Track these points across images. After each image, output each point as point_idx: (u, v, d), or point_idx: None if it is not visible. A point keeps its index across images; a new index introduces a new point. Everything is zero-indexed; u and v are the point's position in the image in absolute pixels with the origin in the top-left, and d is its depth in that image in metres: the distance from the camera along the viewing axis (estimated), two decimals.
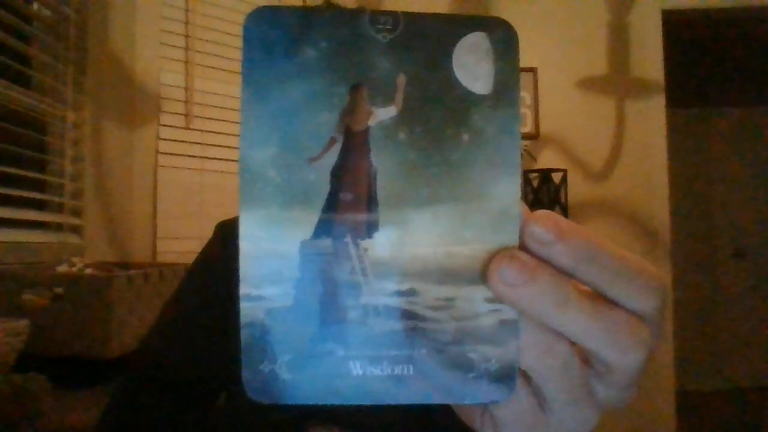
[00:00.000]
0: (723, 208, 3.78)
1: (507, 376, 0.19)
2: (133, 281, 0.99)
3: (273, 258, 0.18)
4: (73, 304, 0.92)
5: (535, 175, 2.12)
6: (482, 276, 0.18)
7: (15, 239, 1.20)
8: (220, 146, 1.75)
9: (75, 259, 1.14)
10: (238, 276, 0.19)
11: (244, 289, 0.18)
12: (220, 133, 1.76)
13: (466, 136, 0.18)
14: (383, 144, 0.18)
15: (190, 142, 1.70)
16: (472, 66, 0.18)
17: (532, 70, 2.25)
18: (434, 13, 0.18)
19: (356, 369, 0.18)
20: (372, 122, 0.18)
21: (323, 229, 0.18)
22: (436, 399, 0.19)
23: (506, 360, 0.19)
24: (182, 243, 1.62)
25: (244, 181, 0.18)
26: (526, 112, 2.25)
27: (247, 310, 0.18)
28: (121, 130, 1.55)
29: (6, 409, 0.71)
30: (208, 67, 1.74)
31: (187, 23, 1.70)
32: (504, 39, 0.18)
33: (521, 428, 0.21)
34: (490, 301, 0.19)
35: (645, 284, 0.19)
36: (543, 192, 2.08)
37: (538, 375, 0.20)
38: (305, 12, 0.18)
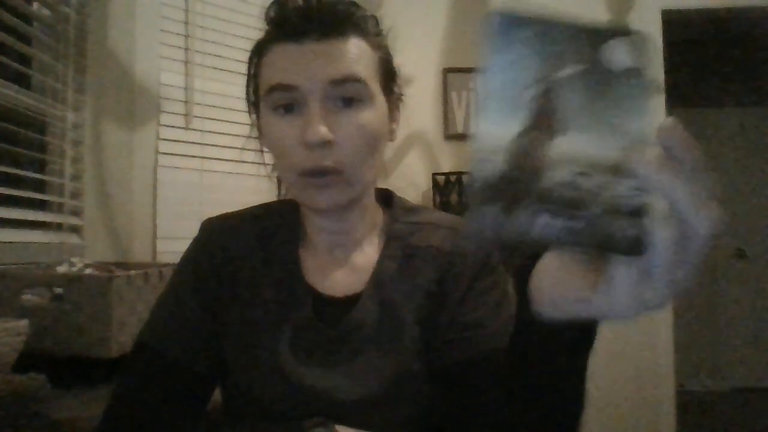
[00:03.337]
0: (723, 208, 3.76)
1: (641, 241, 0.29)
2: (133, 281, 0.99)
3: (494, 143, 0.28)
4: (73, 304, 0.92)
5: None
6: (630, 170, 0.28)
7: (15, 239, 1.20)
8: (220, 146, 1.75)
9: (75, 259, 1.14)
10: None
11: (474, 156, 0.28)
12: (220, 133, 1.76)
13: (618, 89, 0.30)
14: (568, 86, 0.29)
15: (190, 142, 1.70)
16: (622, 53, 0.30)
17: None
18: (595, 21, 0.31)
19: (544, 218, 0.28)
20: (561, 74, 0.29)
21: (530, 129, 0.29)
22: (592, 245, 0.29)
23: (642, 230, 0.29)
24: (182, 243, 1.61)
25: (487, 101, 0.29)
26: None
27: (475, 169, 0.28)
28: (121, 130, 1.55)
29: (6, 409, 0.71)
30: (208, 67, 1.74)
31: (187, 23, 1.70)
32: (639, 41, 0.30)
33: (630, 287, 0.30)
34: (633, 189, 0.29)
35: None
36: None
37: (660, 244, 0.28)
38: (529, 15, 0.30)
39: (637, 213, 0.29)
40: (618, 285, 0.30)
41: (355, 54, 0.58)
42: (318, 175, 0.57)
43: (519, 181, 0.28)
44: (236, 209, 0.71)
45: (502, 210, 0.28)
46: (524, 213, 0.28)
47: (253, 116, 0.65)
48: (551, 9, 0.30)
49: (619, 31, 0.31)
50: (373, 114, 0.59)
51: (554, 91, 0.29)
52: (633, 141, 0.29)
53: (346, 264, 0.65)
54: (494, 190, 0.28)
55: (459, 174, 2.12)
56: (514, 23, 0.30)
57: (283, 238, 0.67)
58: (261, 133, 0.63)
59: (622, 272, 0.30)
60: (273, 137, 0.59)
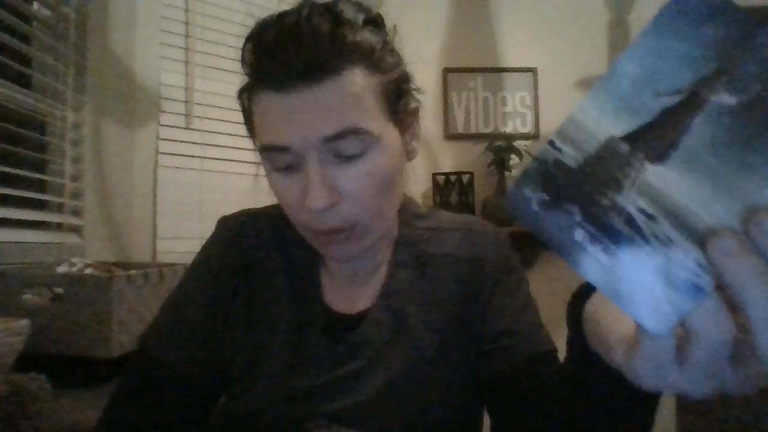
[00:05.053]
0: None
1: (670, 320, 0.24)
2: (133, 281, 0.99)
3: (584, 131, 0.24)
4: (73, 304, 0.92)
5: None
6: (704, 243, 0.23)
7: (15, 239, 1.20)
8: (220, 146, 1.75)
9: (75, 259, 1.14)
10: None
11: (553, 136, 0.25)
12: (220, 133, 1.76)
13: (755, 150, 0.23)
14: (714, 113, 0.23)
15: (190, 142, 1.70)
16: None
17: (532, 70, 2.25)
18: None
19: (578, 235, 0.25)
20: (715, 97, 0.23)
21: (630, 138, 0.24)
22: (611, 295, 0.24)
23: (679, 309, 0.24)
24: (182, 243, 1.62)
25: (609, 83, 0.24)
26: (526, 112, 2.25)
27: (545, 151, 0.25)
28: (121, 130, 1.55)
29: (6, 409, 0.71)
30: (208, 67, 1.74)
31: (187, 23, 1.70)
32: None
33: (655, 366, 0.26)
34: (696, 263, 0.23)
35: None
36: None
37: (696, 336, 0.24)
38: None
39: (686, 292, 0.23)
40: (645, 356, 0.26)
41: (349, 96, 0.49)
42: (329, 234, 0.53)
43: (581, 185, 0.24)
44: (241, 208, 0.70)
45: (544, 201, 0.25)
46: (562, 217, 0.25)
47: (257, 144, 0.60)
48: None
49: None
50: (381, 156, 0.52)
51: (693, 113, 0.23)
52: (736, 207, 0.23)
53: (364, 282, 0.64)
54: (550, 178, 0.25)
55: (459, 174, 2.12)
56: (695, 10, 0.23)
57: (304, 252, 0.63)
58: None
59: (646, 341, 0.26)
60: (276, 193, 0.55)
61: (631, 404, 0.39)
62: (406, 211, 0.67)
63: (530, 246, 2.07)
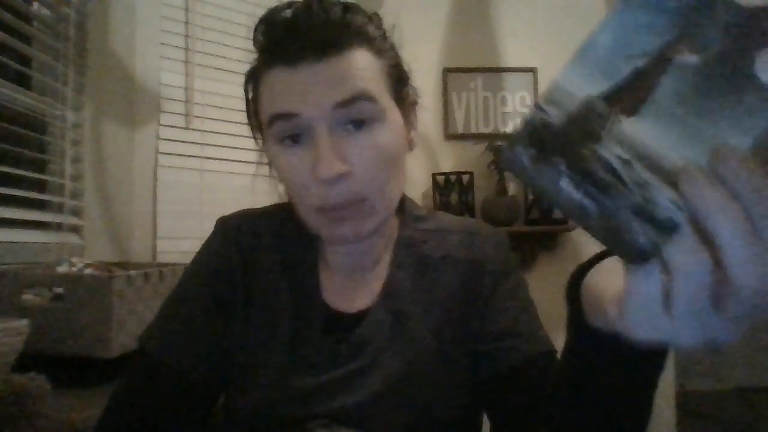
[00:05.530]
0: None
1: (648, 256, 0.26)
2: (133, 281, 0.99)
3: (566, 94, 0.27)
4: (73, 304, 0.92)
5: None
6: (676, 182, 0.25)
7: (15, 239, 1.20)
8: (220, 146, 1.75)
9: (75, 259, 1.14)
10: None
11: (539, 100, 0.27)
12: (220, 133, 1.76)
13: (745, 103, 0.25)
14: (681, 73, 0.26)
15: (190, 142, 1.70)
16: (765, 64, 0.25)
17: (532, 70, 2.25)
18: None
19: (564, 183, 0.27)
20: (681, 59, 0.26)
21: (606, 97, 0.27)
22: (597, 233, 0.27)
23: (657, 243, 0.26)
24: (182, 243, 1.62)
25: (586, 52, 0.27)
26: (526, 112, 2.25)
27: (533, 113, 0.27)
28: (121, 130, 1.55)
29: (6, 409, 0.71)
30: (208, 67, 1.74)
31: (187, 23, 1.70)
32: None
33: (644, 312, 0.27)
34: (670, 200, 0.26)
35: None
36: None
37: (676, 271, 0.25)
38: None
39: (663, 228, 0.26)
40: (634, 302, 0.28)
41: (358, 69, 0.52)
42: (338, 208, 0.53)
43: (565, 139, 0.27)
44: (241, 208, 0.70)
45: (533, 156, 0.27)
46: (549, 169, 0.27)
47: (259, 140, 0.61)
48: None
49: None
50: (388, 131, 0.54)
51: (660, 72, 0.26)
52: (716, 155, 0.25)
53: (363, 281, 0.64)
54: (538, 136, 0.27)
55: (459, 174, 2.12)
56: None
57: (302, 251, 0.64)
58: (269, 162, 0.60)
59: (634, 286, 0.27)
60: (283, 172, 0.55)
61: (629, 388, 0.40)
62: (407, 212, 0.67)
63: (529, 247, 2.07)
